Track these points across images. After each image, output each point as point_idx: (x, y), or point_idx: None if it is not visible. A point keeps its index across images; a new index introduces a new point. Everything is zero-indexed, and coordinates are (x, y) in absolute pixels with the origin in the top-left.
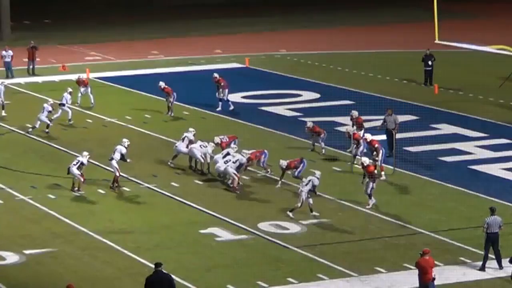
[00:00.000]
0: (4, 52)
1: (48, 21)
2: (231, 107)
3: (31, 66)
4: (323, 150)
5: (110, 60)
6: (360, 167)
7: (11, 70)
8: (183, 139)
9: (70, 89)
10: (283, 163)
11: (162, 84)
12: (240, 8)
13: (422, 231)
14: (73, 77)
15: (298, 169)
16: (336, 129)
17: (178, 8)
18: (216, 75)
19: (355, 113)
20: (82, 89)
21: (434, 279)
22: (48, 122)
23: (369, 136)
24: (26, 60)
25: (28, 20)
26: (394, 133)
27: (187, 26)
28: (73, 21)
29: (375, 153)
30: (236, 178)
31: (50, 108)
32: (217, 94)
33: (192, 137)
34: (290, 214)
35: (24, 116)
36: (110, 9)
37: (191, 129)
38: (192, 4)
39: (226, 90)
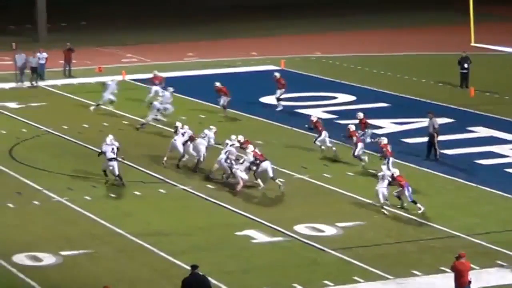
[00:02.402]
0: (38, 54)
1: (84, 23)
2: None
3: (67, 68)
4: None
5: (146, 62)
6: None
7: (44, 72)
8: (183, 134)
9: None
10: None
11: (218, 84)
12: (275, 10)
13: (459, 234)
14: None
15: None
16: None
17: (214, 10)
18: (276, 74)
19: (360, 114)
20: (155, 87)
21: (470, 282)
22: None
23: (384, 140)
24: (62, 62)
25: (65, 22)
26: (433, 136)
27: (223, 28)
28: (110, 23)
29: (380, 155)
30: (241, 183)
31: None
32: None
33: (191, 132)
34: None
35: (60, 118)
36: (146, 11)
37: (212, 127)
38: (228, 7)
39: (282, 90)
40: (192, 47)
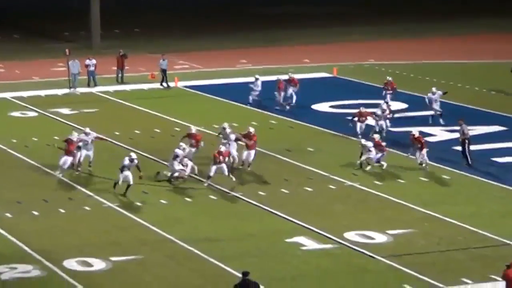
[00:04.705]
0: (88, 61)
1: (137, 30)
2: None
3: (119, 74)
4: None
5: (198, 69)
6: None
7: (95, 78)
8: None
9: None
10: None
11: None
12: (329, 18)
13: (510, 242)
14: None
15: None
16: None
17: (268, 17)
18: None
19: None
20: (291, 89)
21: None
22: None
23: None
24: (115, 68)
25: (118, 29)
26: (464, 143)
27: (276, 35)
28: (162, 30)
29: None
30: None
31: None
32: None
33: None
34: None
35: (113, 124)
36: (199, 18)
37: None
38: (281, 14)
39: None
40: (244, 54)
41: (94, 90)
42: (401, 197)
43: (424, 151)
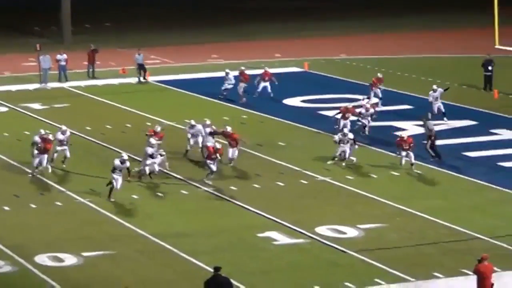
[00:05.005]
0: (59, 56)
1: (108, 24)
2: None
3: (90, 69)
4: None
5: (169, 64)
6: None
7: (66, 73)
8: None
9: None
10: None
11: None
12: (299, 13)
13: (480, 236)
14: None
15: None
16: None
17: (239, 11)
18: (242, 67)
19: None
20: (263, 83)
21: (493, 285)
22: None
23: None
24: (86, 63)
25: (89, 24)
26: (430, 139)
27: (247, 30)
28: (133, 25)
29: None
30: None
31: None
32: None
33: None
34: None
35: (84, 119)
36: (170, 13)
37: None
38: (252, 8)
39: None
40: (216, 48)
41: (65, 85)
42: (373, 192)
43: (411, 153)
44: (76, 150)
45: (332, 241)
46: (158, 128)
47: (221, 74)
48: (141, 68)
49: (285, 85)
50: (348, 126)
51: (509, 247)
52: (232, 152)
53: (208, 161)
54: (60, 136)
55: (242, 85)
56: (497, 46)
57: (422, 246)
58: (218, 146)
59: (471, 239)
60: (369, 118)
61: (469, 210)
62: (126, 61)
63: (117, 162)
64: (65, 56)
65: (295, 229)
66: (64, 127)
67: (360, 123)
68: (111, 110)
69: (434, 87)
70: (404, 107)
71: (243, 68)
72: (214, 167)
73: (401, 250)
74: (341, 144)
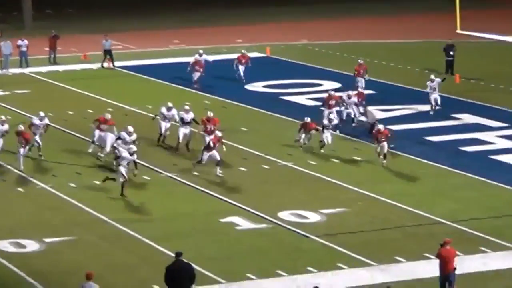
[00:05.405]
0: (20, 42)
1: (70, 10)
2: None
3: (52, 55)
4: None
5: (131, 49)
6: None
7: (27, 59)
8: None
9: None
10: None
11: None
12: None
13: (443, 220)
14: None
15: None
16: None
17: None
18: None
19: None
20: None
21: (455, 269)
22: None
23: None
24: (47, 49)
25: (51, 10)
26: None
27: (208, 15)
28: (95, 11)
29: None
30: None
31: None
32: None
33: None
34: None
35: (45, 105)
36: None
37: (186, 106)
38: None
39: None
40: (177, 34)
41: (26, 71)
42: (335, 177)
43: (385, 144)
44: (43, 137)
45: (294, 226)
46: (109, 116)
47: (184, 59)
48: (108, 54)
49: (247, 70)
50: (335, 113)
51: (471, 231)
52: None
53: (205, 152)
54: (37, 121)
55: (197, 73)
56: (458, 31)
57: (384, 231)
58: (219, 134)
59: (433, 224)
60: (355, 108)
61: (431, 195)
62: (88, 47)
63: (125, 153)
64: (26, 42)
65: (257, 214)
66: (42, 113)
67: (345, 113)
68: (73, 96)
69: (432, 77)
70: (366, 92)
71: (198, 56)
72: (205, 158)
73: (364, 235)
74: (325, 131)
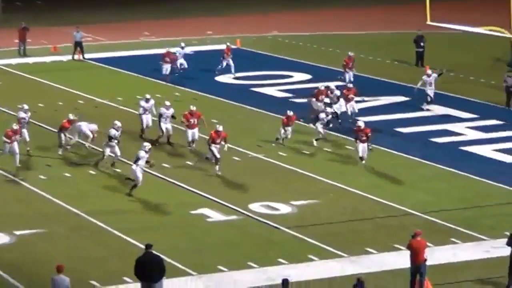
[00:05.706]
0: None
1: (40, 2)
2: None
3: (21, 47)
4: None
5: (101, 41)
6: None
7: None
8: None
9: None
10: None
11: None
12: None
13: (413, 212)
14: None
15: None
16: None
17: None
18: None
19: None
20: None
21: (426, 260)
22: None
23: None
24: (17, 41)
25: (20, 1)
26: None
27: (178, 7)
28: (65, 3)
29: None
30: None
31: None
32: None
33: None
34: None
35: (15, 97)
36: None
37: (167, 102)
38: None
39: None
40: (147, 26)
41: None
42: (306, 168)
43: (366, 146)
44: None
45: (265, 217)
46: (71, 116)
47: (154, 51)
48: (78, 45)
49: (217, 62)
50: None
51: (442, 222)
52: (192, 134)
53: (213, 146)
54: (23, 114)
55: (166, 66)
56: (428, 22)
57: (355, 222)
58: (220, 128)
59: (404, 215)
60: (341, 103)
61: (402, 186)
62: (58, 39)
63: (141, 153)
64: None
65: (228, 206)
66: (25, 106)
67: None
68: (43, 88)
69: (429, 71)
70: (336, 83)
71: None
72: (218, 154)
73: (335, 226)
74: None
